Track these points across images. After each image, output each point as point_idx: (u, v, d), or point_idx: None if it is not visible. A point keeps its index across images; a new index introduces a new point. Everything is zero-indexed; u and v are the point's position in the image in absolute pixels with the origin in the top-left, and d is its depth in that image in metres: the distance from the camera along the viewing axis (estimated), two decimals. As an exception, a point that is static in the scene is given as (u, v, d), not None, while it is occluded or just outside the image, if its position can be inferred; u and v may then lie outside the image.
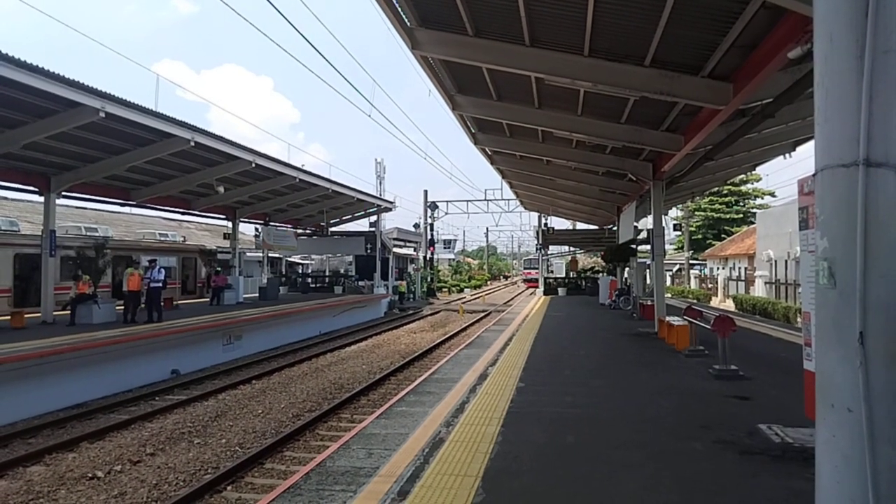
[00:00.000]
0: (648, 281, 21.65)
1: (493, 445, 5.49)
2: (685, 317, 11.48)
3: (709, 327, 9.51)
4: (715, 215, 52.14)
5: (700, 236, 53.44)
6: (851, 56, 2.96)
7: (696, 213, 52.77)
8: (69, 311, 15.80)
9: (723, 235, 50.17)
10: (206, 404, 11.84)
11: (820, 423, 3.13)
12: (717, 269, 44.10)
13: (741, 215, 50.91)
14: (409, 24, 8.81)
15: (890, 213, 2.93)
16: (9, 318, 15.11)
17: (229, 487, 7.65)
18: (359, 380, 14.13)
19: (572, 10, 7.47)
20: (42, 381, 11.26)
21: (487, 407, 7.03)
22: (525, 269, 74.65)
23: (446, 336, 22.18)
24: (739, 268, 38.49)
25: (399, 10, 8.34)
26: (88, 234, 23.41)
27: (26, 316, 15.43)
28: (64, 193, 16.86)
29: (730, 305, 30.76)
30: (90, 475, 7.89)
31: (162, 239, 29.22)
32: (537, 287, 38.62)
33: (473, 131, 15.09)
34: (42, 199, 16.23)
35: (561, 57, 8.76)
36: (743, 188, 50.91)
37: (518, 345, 12.71)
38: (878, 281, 2.88)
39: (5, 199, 25.62)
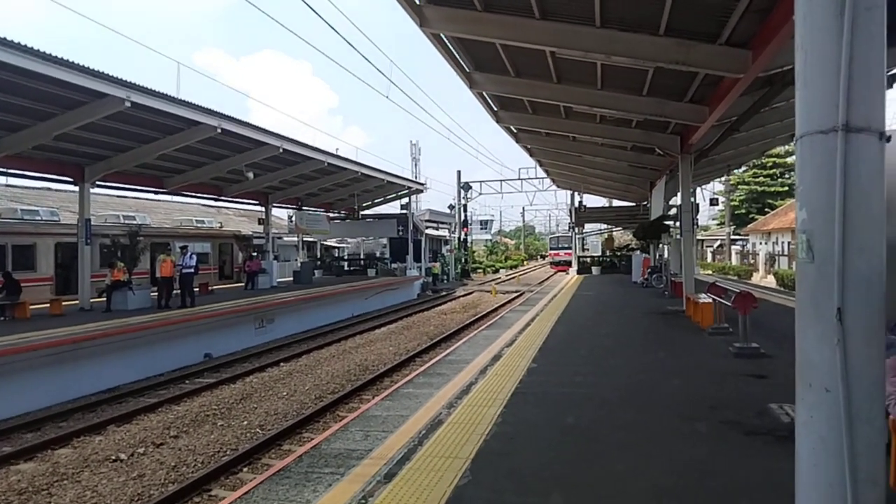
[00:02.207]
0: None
1: (490, 427, 5.45)
2: (709, 293, 11.19)
3: (729, 304, 9.23)
4: (759, 188, 50.44)
5: (743, 210, 51.85)
6: (831, 14, 2.77)
7: (739, 186, 51.22)
8: (105, 298, 16.30)
9: (766, 209, 48.54)
10: (233, 387, 12.08)
11: (798, 404, 2.99)
12: (760, 243, 42.80)
13: (786, 188, 49.11)
14: (417, 1, 8.68)
15: (871, 181, 2.75)
16: (48, 305, 15.66)
17: (245, 469, 7.79)
18: (384, 361, 14.23)
19: (578, -21, 7.25)
20: (76, 366, 11.65)
21: (494, 388, 6.98)
22: (552, 249, 63.60)
23: (476, 317, 22.14)
24: (782, 242, 37.28)
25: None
26: (126, 222, 24.07)
27: (65, 303, 16.00)
28: (98, 183, 17.33)
29: (771, 281, 29.91)
30: (114, 457, 8.14)
31: (198, 225, 29.84)
32: (566, 270, 38.15)
33: (495, 109, 14.88)
34: (77, 188, 16.71)
35: (573, 29, 8.51)
36: (789, 160, 49.06)
37: (539, 325, 12.59)
38: (857, 254, 2.72)
39: (49, 189, 26.57)
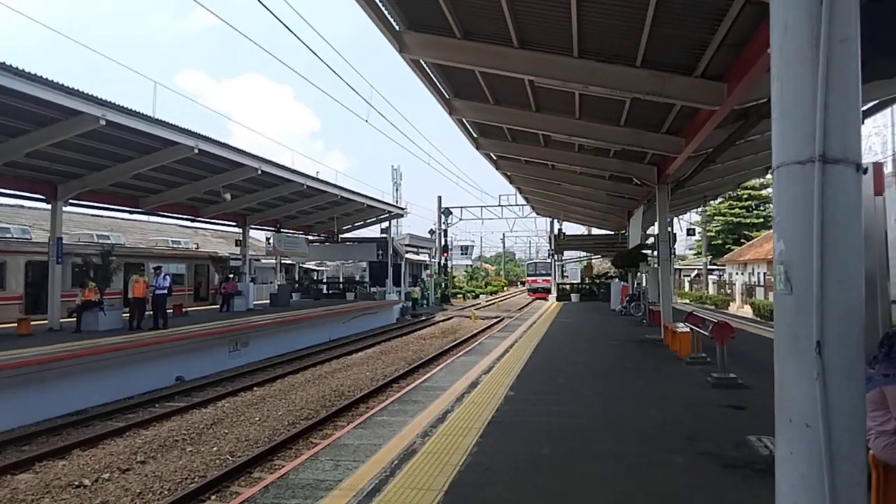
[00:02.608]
0: (660, 287, 21.26)
1: (465, 457, 5.31)
2: (686, 323, 11.20)
3: (707, 334, 9.23)
4: (735, 220, 51.22)
5: (720, 241, 52.55)
6: (806, 45, 2.77)
7: (715, 217, 51.95)
8: (75, 318, 15.89)
9: (742, 240, 49.23)
10: (204, 411, 11.77)
11: (778, 439, 2.92)
12: (736, 274, 43.30)
13: (762, 220, 49.92)
14: (396, 27, 8.70)
15: (848, 213, 2.72)
16: (16, 324, 15.23)
17: (213, 497, 7.54)
18: (360, 387, 13.99)
19: (556, 10, 7.30)
20: (42, 388, 11.29)
21: (470, 417, 6.85)
22: (529, 275, 60.55)
23: (455, 342, 21.98)
24: (759, 273, 37.75)
25: (385, 13, 8.22)
26: (100, 241, 23.62)
27: (33, 323, 15.57)
28: (71, 201, 17.02)
29: (748, 311, 30.16)
30: (77, 483, 7.84)
31: (174, 246, 29.44)
32: (545, 298, 38.07)
33: (475, 136, 14.95)
34: (49, 206, 16.38)
35: (551, 59, 8.59)
36: (763, 192, 49.97)
37: (518, 352, 12.49)
38: (836, 286, 2.67)
39: (21, 207, 26.01)
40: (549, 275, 48.08)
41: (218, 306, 24.67)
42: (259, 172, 18.38)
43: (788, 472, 2.80)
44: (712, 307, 33.72)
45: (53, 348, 12.24)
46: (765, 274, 35.86)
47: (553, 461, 5.30)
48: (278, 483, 4.95)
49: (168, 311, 17.49)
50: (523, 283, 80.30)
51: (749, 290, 36.53)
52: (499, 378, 9.43)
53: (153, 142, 14.58)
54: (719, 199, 46.93)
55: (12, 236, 20.53)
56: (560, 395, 8.15)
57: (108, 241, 23.38)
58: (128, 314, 16.82)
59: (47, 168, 15.21)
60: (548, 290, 46.89)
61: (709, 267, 46.71)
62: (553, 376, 9.67)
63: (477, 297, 57.35)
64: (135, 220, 32.91)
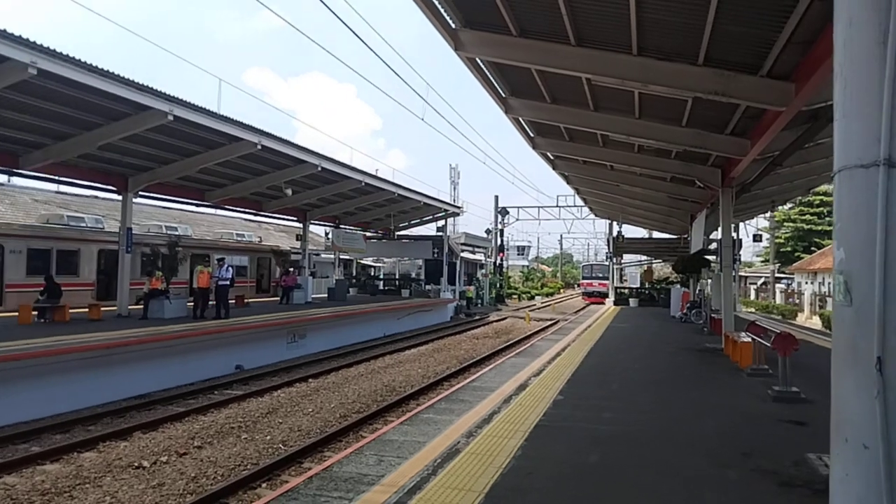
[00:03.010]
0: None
1: (509, 460, 5.27)
2: (748, 333, 10.77)
3: (769, 345, 8.85)
4: (805, 227, 49.01)
5: (789, 248, 50.40)
6: (873, 42, 2.61)
7: (785, 223, 49.84)
8: (143, 306, 16.63)
9: (813, 248, 47.05)
10: (260, 400, 12.09)
11: (834, 459, 2.78)
12: (806, 283, 41.41)
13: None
14: (452, 25, 8.70)
15: (915, 220, 2.55)
16: (87, 309, 16.05)
17: (264, 485, 7.73)
18: (411, 383, 14.10)
19: (614, 7, 7.13)
20: (109, 371, 11.86)
21: (516, 419, 6.79)
22: (584, 278, 56.99)
23: (507, 343, 21.87)
24: (829, 283, 36.01)
25: (441, 11, 8.24)
26: (168, 232, 24.64)
27: (103, 309, 16.38)
28: (141, 193, 17.83)
29: (816, 322, 28.82)
30: (136, 464, 8.18)
31: (238, 239, 30.39)
32: (601, 303, 37.18)
33: (532, 135, 14.80)
34: (120, 198, 17.21)
35: (609, 56, 8.40)
36: (837, 198, 47.52)
37: (570, 355, 12.31)
38: (901, 299, 2.51)
39: (96, 197, 27.39)
40: (607, 278, 46.68)
41: (278, 298, 25.33)
42: (319, 169, 18.78)
43: (844, 494, 2.66)
44: (779, 317, 32.39)
45: (121, 334, 12.83)
46: (837, 283, 34.09)
47: (600, 469, 5.19)
48: (322, 475, 5.03)
49: (230, 301, 18.07)
50: (579, 286, 78.59)
51: (821, 300, 34.84)
52: (549, 381, 9.32)
53: (218, 137, 15.09)
54: (789, 205, 45.03)
55: (86, 226, 21.64)
56: (611, 401, 7.98)
57: (176, 233, 24.40)
58: (192, 303, 17.47)
59: (119, 161, 15.98)
60: (604, 295, 45.61)
61: (776, 275, 44.83)
62: (605, 382, 9.48)
63: (532, 298, 56.88)
64: (202, 213, 34.16)
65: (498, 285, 45.67)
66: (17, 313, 14.89)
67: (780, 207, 38.28)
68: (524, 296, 56.17)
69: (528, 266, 78.52)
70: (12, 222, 21.04)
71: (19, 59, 9.60)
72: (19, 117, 12.59)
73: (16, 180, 20.75)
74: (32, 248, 18.53)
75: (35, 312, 15.04)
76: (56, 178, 16.36)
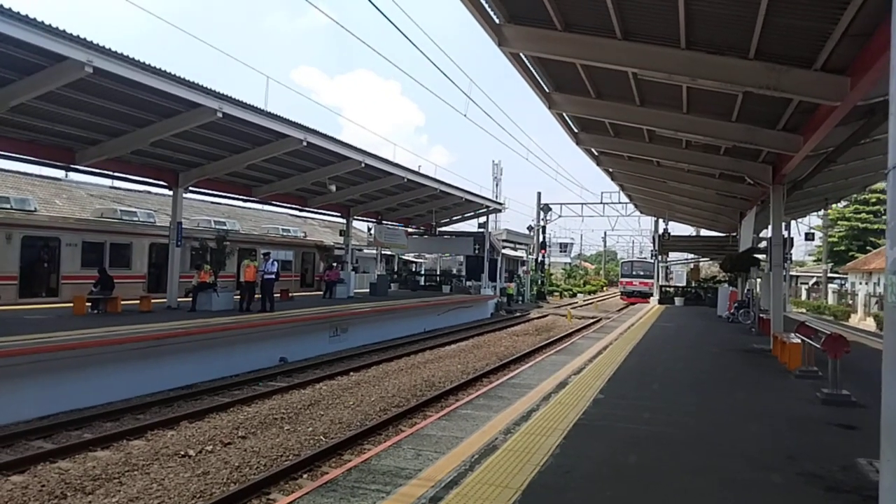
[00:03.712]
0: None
1: (547, 458, 5.24)
2: (797, 333, 10.44)
3: (819, 346, 8.56)
4: (861, 225, 47.15)
5: (843, 247, 48.58)
6: (935, 32, 2.50)
7: (839, 221, 48.08)
8: (191, 298, 17.11)
9: (868, 248, 45.24)
10: (303, 392, 12.31)
11: (884, 466, 2.69)
12: (860, 283, 39.86)
13: (892, 226, 45.60)
14: (496, 20, 8.67)
15: (975, 220, 2.44)
16: (138, 301, 16.61)
17: (305, 475, 7.88)
18: (450, 379, 14.15)
19: (662, 0, 6.99)
20: (159, 362, 12.25)
21: (555, 417, 6.74)
22: (623, 276, 52.19)
23: (548, 341, 21.75)
24: (885, 283, 34.58)
25: (485, 6, 8.21)
26: (217, 227, 25.26)
27: (154, 301, 16.92)
28: (191, 188, 18.34)
29: (870, 324, 27.73)
30: (182, 453, 8.43)
31: (284, 234, 30.94)
32: (646, 302, 35.81)
33: (576, 130, 14.63)
34: (171, 193, 17.73)
35: (656, 50, 8.23)
36: (895, 196, 45.58)
37: (612, 354, 12.15)
38: (958, 302, 2.41)
39: (148, 192, 28.30)
40: (650, 276, 43.87)
41: (321, 293, 25.71)
42: (362, 165, 18.98)
43: (893, 502, 2.57)
44: (831, 318, 31.30)
45: (170, 325, 13.23)
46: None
47: (639, 470, 5.12)
48: (361, 467, 5.10)
49: (275, 295, 18.43)
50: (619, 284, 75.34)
51: (878, 301, 33.47)
52: (589, 380, 9.23)
53: (265, 134, 15.40)
54: (843, 203, 43.41)
55: (138, 220, 22.36)
56: (652, 401, 7.86)
57: (224, 227, 24.99)
58: (238, 296, 17.89)
59: (170, 157, 16.46)
60: (646, 295, 42.46)
61: (829, 275, 43.29)
62: (647, 382, 9.34)
63: (574, 295, 56.33)
64: (249, 208, 34.93)
65: (539, 282, 45.37)
66: (71, 304, 15.47)
67: (833, 205, 36.96)
68: (566, 293, 55.66)
69: (570, 263, 77.66)
70: (68, 216, 21.90)
71: (76, 58, 9.96)
72: (75, 114, 13.06)
73: (72, 175, 21.62)
74: (87, 241, 19.19)
75: (89, 304, 15.54)
76: (110, 173, 16.98)
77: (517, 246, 46.11)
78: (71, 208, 24.91)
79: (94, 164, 15.37)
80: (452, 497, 4.30)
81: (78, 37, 9.87)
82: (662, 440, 6.04)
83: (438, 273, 42.22)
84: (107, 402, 10.89)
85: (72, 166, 15.51)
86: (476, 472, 4.83)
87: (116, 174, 17.05)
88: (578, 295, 57.32)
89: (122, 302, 16.15)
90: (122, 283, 17.48)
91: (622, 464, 5.25)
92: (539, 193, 44.93)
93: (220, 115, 12.93)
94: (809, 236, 35.90)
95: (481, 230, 34.24)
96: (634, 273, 49.20)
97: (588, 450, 5.58)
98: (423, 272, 44.01)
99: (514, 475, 4.78)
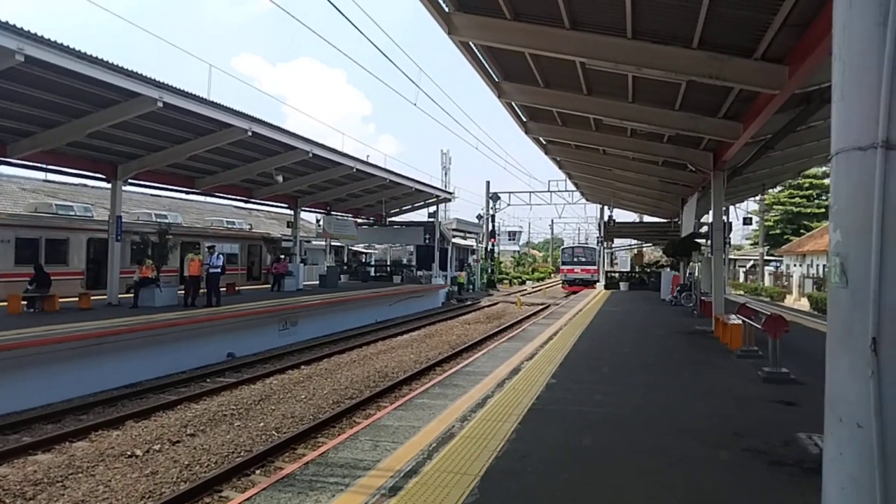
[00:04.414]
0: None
1: (503, 443, 5.30)
2: (738, 315, 10.85)
3: (759, 326, 8.92)
4: (795, 209, 49.38)
5: (778, 231, 50.79)
6: (872, 23, 2.59)
7: (774, 206, 50.17)
8: (133, 294, 16.53)
9: (802, 231, 47.46)
10: (253, 388, 12.08)
11: (827, 438, 2.80)
12: (794, 265, 41.77)
13: (823, 210, 47.94)
14: (446, 8, 8.63)
15: (913, 203, 2.55)
16: (77, 299, 15.95)
17: (258, 472, 7.75)
18: (404, 369, 14.15)
19: (609, -11, 7.10)
20: (100, 360, 11.80)
21: (510, 403, 6.82)
22: (564, 263, 48.36)
23: (499, 328, 21.97)
24: (817, 265, 36.35)
25: (434, -7, 8.17)
26: (158, 220, 24.46)
27: (93, 298, 16.28)
28: (130, 181, 17.67)
29: (804, 304, 29.10)
30: (129, 453, 8.17)
31: (229, 226, 30.23)
32: (593, 289, 36.14)
33: (524, 119, 14.75)
34: (110, 185, 17.05)
35: (603, 40, 8.36)
36: (825, 181, 47.91)
37: (562, 339, 12.37)
38: (896, 280, 2.51)
39: (84, 185, 27.14)
40: (592, 263, 43.91)
41: (269, 286, 25.27)
42: (310, 155, 18.67)
43: (837, 473, 2.68)
44: (767, 299, 32.68)
45: (111, 322, 12.76)
46: (824, 266, 34.48)
47: (593, 452, 5.23)
48: (318, 461, 5.03)
49: (221, 289, 18.00)
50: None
51: (817, 283, 35.15)
52: (541, 365, 9.36)
53: (208, 124, 14.96)
54: (778, 188, 45.30)
55: (75, 214, 21.45)
56: (603, 384, 8.03)
57: (166, 221, 24.21)
58: (183, 291, 17.39)
59: (108, 148, 15.81)
60: (589, 283, 41.63)
61: (765, 258, 45.18)
62: (597, 366, 9.54)
63: (523, 283, 57.08)
64: (192, 201, 33.95)
65: (489, 270, 45.77)
66: (5, 303, 14.77)
67: (770, 191, 38.52)
68: (515, 281, 56.37)
69: (519, 251, 78.64)
70: (0, 212, 20.81)
71: (6, 46, 9.44)
72: (7, 105, 12.40)
73: (3, 169, 20.55)
74: (21, 237, 18.36)
75: (24, 302, 14.90)
76: (44, 166, 16.21)
77: (467, 235, 46.32)
78: (2, 203, 23.66)
79: (27, 156, 14.67)
80: (412, 486, 4.30)
81: (8, 23, 9.36)
82: (614, 422, 6.18)
83: (389, 263, 42.01)
84: (46, 403, 10.45)
85: (3, 159, 14.72)
86: (435, 461, 4.84)
87: (51, 167, 16.28)
88: (527, 282, 58.11)
89: (60, 300, 15.52)
90: (59, 280, 16.76)
91: (576, 446, 5.35)
92: (488, 182, 45.55)
93: (160, 104, 12.48)
94: (747, 221, 37.37)
95: (431, 220, 34.24)
96: (576, 260, 46.96)
97: (543, 434, 5.67)
98: (373, 263, 43.72)
99: (472, 462, 4.82)
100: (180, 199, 32.06)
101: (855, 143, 2.63)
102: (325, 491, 4.33)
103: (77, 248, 19.99)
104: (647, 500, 4.18)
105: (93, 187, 26.85)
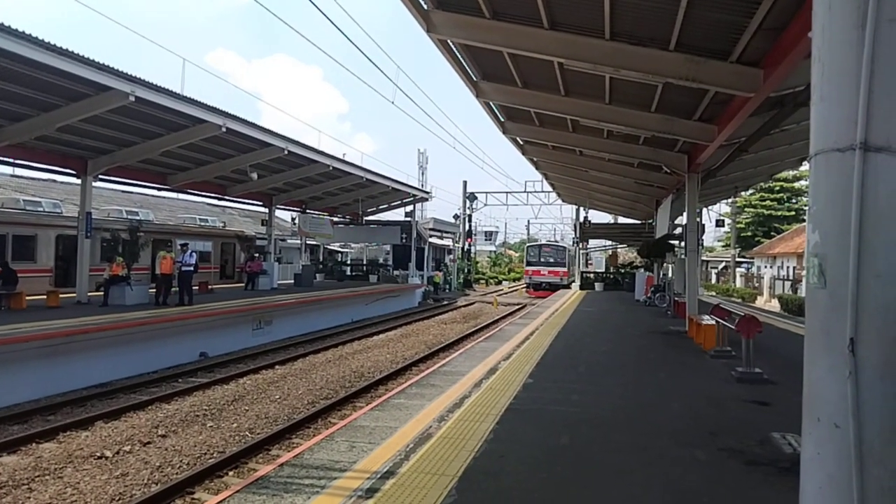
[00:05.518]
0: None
1: (481, 444, 5.27)
2: (712, 315, 11.00)
3: (733, 327, 9.04)
4: (766, 212, 50.27)
5: (749, 233, 51.69)
6: (851, 25, 2.60)
7: (746, 209, 51.03)
8: (103, 292, 16.19)
9: (773, 233, 48.36)
10: (226, 388, 11.90)
11: (805, 438, 2.81)
12: (765, 267, 42.54)
13: (793, 213, 48.94)
14: (425, 6, 8.58)
15: (890, 203, 2.56)
16: (45, 296, 15.57)
17: (231, 473, 7.62)
18: (380, 369, 14.07)
19: (588, -10, 7.13)
20: (69, 360, 11.53)
21: (487, 403, 6.81)
22: (529, 263, 41.78)
23: (476, 328, 21.99)
24: (788, 267, 37.05)
25: (413, -10, 8.12)
26: (129, 217, 24.01)
27: (62, 296, 15.91)
28: (101, 177, 17.33)
29: (775, 305, 29.62)
30: (99, 454, 7.98)
31: (202, 224, 29.78)
32: (554, 294, 32.65)
33: (502, 119, 14.78)
34: (80, 181, 16.66)
35: (582, 40, 8.40)
36: (796, 185, 48.93)
37: (538, 339, 12.41)
38: (874, 281, 2.52)
39: (53, 181, 26.58)
40: (561, 264, 41.11)
41: (243, 285, 24.96)
42: (286, 153, 18.47)
43: (815, 472, 2.69)
44: (739, 300, 33.21)
45: (81, 321, 12.46)
46: (794, 268, 35.17)
47: (570, 451, 5.23)
48: (293, 462, 4.95)
49: (194, 287, 17.72)
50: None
51: (795, 283, 35.74)
52: (518, 365, 9.37)
53: (182, 119, 14.71)
54: (750, 191, 46.08)
55: (43, 210, 20.97)
56: (580, 384, 8.06)
57: (137, 218, 23.76)
58: (154, 290, 17.09)
59: (78, 143, 15.46)
60: (556, 286, 37.92)
61: (737, 259, 45.95)
62: (573, 365, 9.58)
63: (500, 283, 57.27)
64: (164, 198, 33.40)
65: (466, 270, 45.82)
66: (-30, 301, 14.34)
67: (742, 193, 39.18)
68: (492, 281, 56.53)
69: (495, 251, 78.80)
70: (-35, 207, 20.24)
71: (-31, 37, 9.16)
72: (-29, 98, 12.04)
73: (-32, 164, 19.96)
74: (-14, 233, 17.85)
75: (-10, 299, 14.50)
76: (11, 161, 15.81)
77: (444, 234, 46.30)
78: (-32, 199, 23.00)
79: (-6, 151, 14.23)
80: (389, 487, 4.24)
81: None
82: (591, 421, 6.20)
83: (365, 263, 41.78)
84: (13, 403, 10.17)
85: (-32, 154, 14.30)
86: (412, 461, 4.80)
87: (19, 162, 15.87)
88: (504, 282, 58.30)
89: (28, 297, 15.13)
90: (26, 277, 16.32)
91: (554, 446, 5.34)
92: (465, 182, 45.59)
93: (132, 98, 12.20)
94: (720, 223, 37.93)
95: (408, 219, 34.16)
96: (543, 260, 41.21)
97: (521, 434, 5.66)
98: (349, 262, 43.48)
99: (450, 462, 4.78)
100: (152, 195, 31.52)
101: (834, 144, 2.64)
102: (301, 493, 4.25)
103: (45, 244, 19.54)
104: (625, 499, 4.18)
105: (63, 183, 26.28)
